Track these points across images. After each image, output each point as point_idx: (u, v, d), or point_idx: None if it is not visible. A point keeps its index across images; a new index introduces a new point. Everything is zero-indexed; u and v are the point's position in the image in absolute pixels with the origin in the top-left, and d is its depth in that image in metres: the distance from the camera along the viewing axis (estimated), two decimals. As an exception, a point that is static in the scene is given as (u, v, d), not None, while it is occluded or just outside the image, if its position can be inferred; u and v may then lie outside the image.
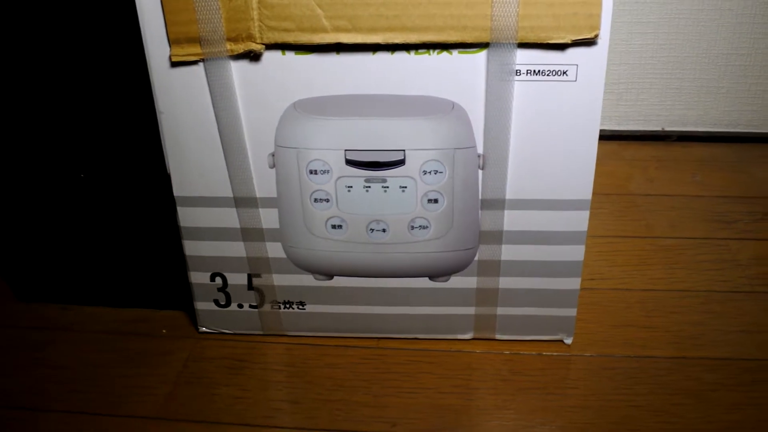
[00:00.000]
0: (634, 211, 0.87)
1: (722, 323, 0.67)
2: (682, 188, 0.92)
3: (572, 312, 0.63)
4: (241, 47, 0.52)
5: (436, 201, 0.57)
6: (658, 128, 1.06)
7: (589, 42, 0.51)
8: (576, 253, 0.60)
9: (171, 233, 0.62)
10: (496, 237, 0.59)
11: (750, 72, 1.01)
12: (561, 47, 0.51)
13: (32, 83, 0.61)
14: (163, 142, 0.57)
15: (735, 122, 1.05)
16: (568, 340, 0.65)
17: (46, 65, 0.60)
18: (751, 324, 0.67)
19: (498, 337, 0.65)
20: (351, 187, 0.57)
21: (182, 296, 0.67)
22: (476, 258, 0.60)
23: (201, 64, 0.53)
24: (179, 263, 0.63)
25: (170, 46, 0.53)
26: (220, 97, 0.55)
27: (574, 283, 0.61)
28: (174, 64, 0.54)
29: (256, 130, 0.56)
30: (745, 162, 0.99)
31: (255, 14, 0.51)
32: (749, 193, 0.91)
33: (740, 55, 1.00)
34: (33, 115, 0.62)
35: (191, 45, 0.53)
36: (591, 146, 0.55)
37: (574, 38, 0.50)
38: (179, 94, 0.55)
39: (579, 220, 0.58)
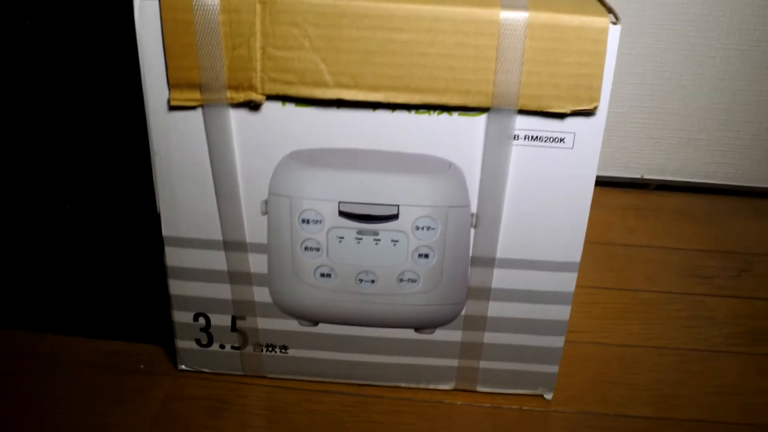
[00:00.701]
0: (613, 261, 0.88)
1: (700, 383, 0.68)
2: (661, 240, 0.94)
3: (554, 369, 0.63)
4: (241, 96, 0.52)
5: (426, 256, 0.58)
6: (638, 176, 1.08)
7: (588, 113, 0.52)
8: (562, 312, 0.60)
9: (155, 268, 0.62)
10: (484, 293, 0.59)
11: (729, 126, 1.04)
12: (560, 116, 0.52)
13: (28, 110, 0.60)
14: (155, 182, 0.57)
15: (713, 174, 1.07)
16: (549, 396, 0.65)
17: (44, 92, 0.59)
18: (729, 386, 0.68)
19: (479, 389, 0.65)
20: (342, 237, 0.57)
21: (162, 330, 0.66)
22: (463, 312, 0.60)
23: (200, 109, 0.53)
24: (160, 298, 0.63)
25: (170, 89, 0.52)
26: (217, 143, 0.54)
27: (557, 342, 0.62)
28: (172, 108, 0.53)
29: (250, 176, 0.56)
30: (722, 215, 1.01)
31: (258, 65, 0.51)
32: (726, 247, 0.93)
33: (721, 109, 1.02)
34: (25, 141, 0.62)
35: (191, 90, 0.52)
36: (583, 211, 0.56)
37: (573, 108, 0.51)
38: (175, 136, 0.54)
39: (566, 281, 0.59)
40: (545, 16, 0.49)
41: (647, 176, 1.08)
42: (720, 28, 0.97)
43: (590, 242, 0.89)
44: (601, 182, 1.07)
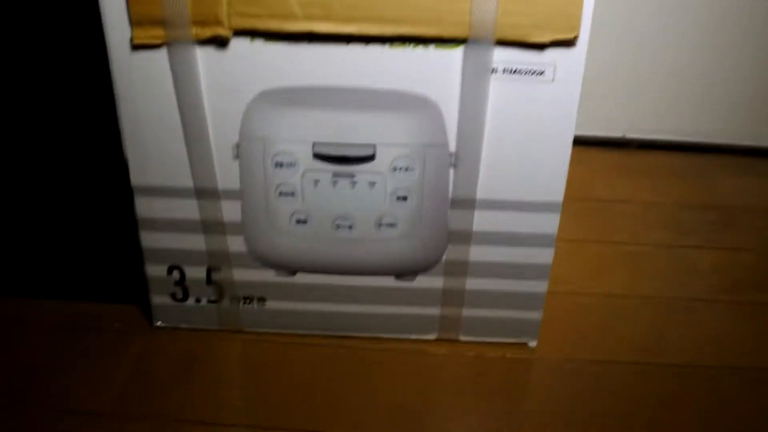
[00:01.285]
0: (595, 216, 0.87)
1: (683, 331, 0.67)
2: (643, 196, 0.93)
3: (538, 315, 0.62)
4: (207, 32, 0.50)
5: (405, 198, 0.56)
6: (620, 135, 1.06)
7: (568, 42, 0.50)
8: (545, 255, 0.59)
9: (126, 223, 0.60)
10: (465, 237, 0.58)
11: (712, 83, 1.02)
12: (539, 47, 0.50)
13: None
14: (121, 128, 0.55)
15: (695, 132, 1.06)
16: (533, 344, 0.64)
17: (5, 37, 0.57)
18: (711, 332, 0.67)
19: (462, 338, 0.64)
20: (318, 181, 0.55)
21: (136, 290, 0.64)
22: (443, 258, 0.59)
23: (164, 48, 0.51)
24: (134, 254, 0.61)
25: (132, 27, 0.50)
26: (184, 84, 0.52)
27: (541, 286, 0.61)
28: (135, 47, 0.51)
29: (220, 119, 0.54)
30: (705, 172, 1.00)
31: (225, -3, 0.49)
32: (708, 202, 0.92)
33: (703, 67, 1.01)
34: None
35: (154, 27, 0.50)
36: (565, 148, 0.54)
37: (553, 38, 0.49)
38: (140, 78, 0.52)
39: (549, 223, 0.58)
40: (522, -59, 0.47)
41: (629, 135, 1.07)
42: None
43: (572, 198, 0.88)
44: (582, 141, 1.05)
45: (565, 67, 0.51)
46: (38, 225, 0.65)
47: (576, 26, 0.49)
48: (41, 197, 0.63)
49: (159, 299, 0.63)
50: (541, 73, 0.51)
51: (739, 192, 0.96)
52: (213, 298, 0.62)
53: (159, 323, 0.64)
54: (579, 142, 1.04)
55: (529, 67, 0.51)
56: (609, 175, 0.98)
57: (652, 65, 1.01)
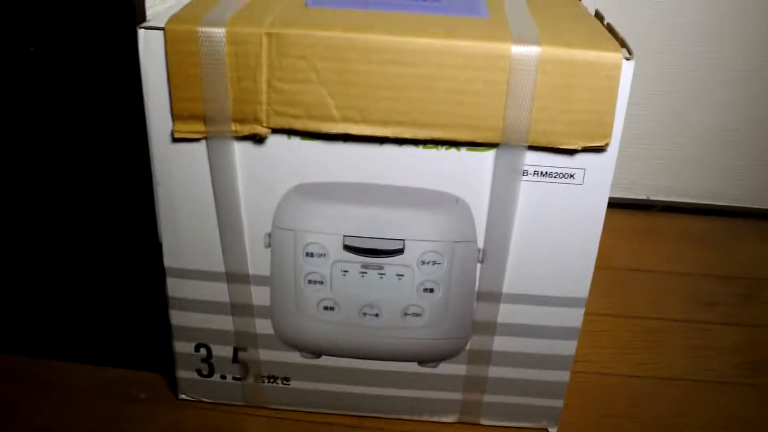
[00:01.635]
0: (618, 286, 0.87)
1: (706, 416, 0.67)
2: (666, 264, 0.93)
3: (559, 403, 0.63)
4: (246, 129, 0.51)
5: (431, 290, 0.57)
6: (644, 197, 1.07)
7: (599, 149, 0.51)
8: (568, 347, 0.59)
9: (157, 298, 0.61)
10: (490, 328, 0.58)
11: (737, 147, 1.03)
12: (570, 152, 0.51)
13: (33, 138, 0.59)
14: (157, 212, 0.56)
15: (720, 195, 1.06)
16: (553, 429, 0.64)
17: (49, 121, 0.58)
18: (735, 418, 0.67)
19: (483, 422, 0.64)
20: (347, 271, 0.56)
21: (163, 358, 0.65)
22: (467, 346, 0.59)
23: (204, 141, 0.52)
24: (162, 326, 0.62)
25: (173, 121, 0.52)
26: (221, 175, 0.53)
27: (563, 376, 0.61)
28: (176, 140, 0.52)
29: (254, 209, 0.55)
30: (729, 237, 1.00)
31: (264, 98, 0.50)
32: (731, 272, 0.92)
33: (728, 130, 1.01)
34: (29, 168, 0.61)
35: (195, 122, 0.51)
36: (592, 247, 0.55)
37: (584, 145, 0.50)
38: (178, 167, 0.54)
39: (574, 317, 0.58)
40: (557, 51, 0.48)
41: (653, 197, 1.07)
42: (730, 47, 0.96)
43: (596, 266, 0.89)
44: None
45: (595, 170, 0.52)
46: (76, 295, 0.66)
47: (608, 134, 0.50)
48: (81, 271, 0.64)
49: (185, 374, 0.63)
50: (572, 176, 0.52)
51: (764, 260, 0.96)
52: (238, 375, 0.63)
53: (183, 396, 0.65)
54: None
55: (560, 171, 0.52)
56: (632, 241, 0.98)
57: (677, 126, 1.02)
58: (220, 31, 0.49)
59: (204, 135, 0.52)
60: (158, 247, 0.57)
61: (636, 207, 1.07)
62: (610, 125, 0.50)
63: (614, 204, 1.04)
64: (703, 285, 0.89)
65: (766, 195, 1.06)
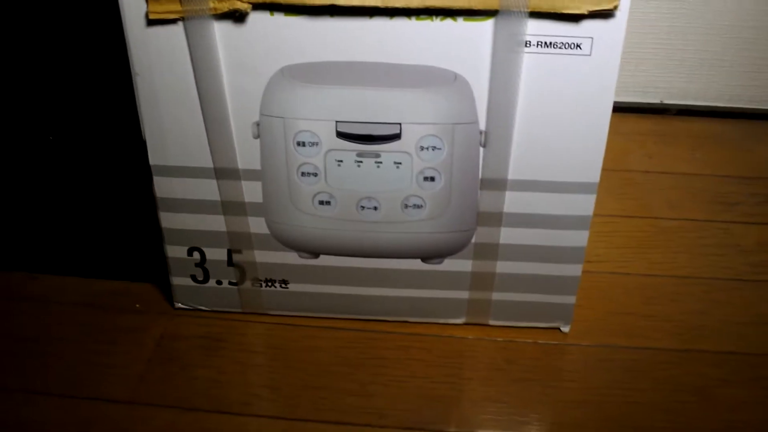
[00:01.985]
0: (632, 188, 0.84)
1: (725, 313, 0.64)
2: (682, 166, 0.89)
3: (571, 299, 0.60)
4: (225, 5, 0.47)
5: (432, 179, 0.53)
6: (657, 101, 1.02)
7: (607, 13, 0.46)
8: (579, 238, 0.56)
9: (146, 203, 0.58)
10: (496, 219, 0.55)
11: (755, 46, 0.97)
12: (576, 18, 0.47)
13: (3, 39, 0.56)
14: (138, 107, 0.53)
15: (737, 97, 1.01)
16: (566, 328, 0.61)
17: (19, 21, 0.55)
18: (756, 315, 0.64)
19: (491, 322, 0.62)
20: (341, 161, 0.53)
21: (158, 268, 0.62)
22: (473, 240, 0.56)
23: (181, 23, 0.48)
24: (155, 234, 0.59)
25: (147, 1, 0.48)
26: (202, 60, 0.50)
27: (575, 270, 0.58)
28: (151, 22, 0.49)
29: (240, 96, 0.51)
30: (748, 140, 0.96)
31: (241, -31, 0.46)
32: (752, 173, 0.88)
33: (746, 27, 0.96)
34: (2, 73, 0.58)
35: (170, 1, 0.48)
36: (602, 126, 0.51)
37: (591, 9, 0.46)
38: (157, 55, 0.50)
39: (585, 204, 0.55)
40: None
41: (667, 101, 1.02)
42: (747, -63, 0.90)
43: (608, 169, 0.84)
44: (619, 108, 1.01)
45: (604, 39, 0.48)
46: (59, 203, 0.63)
47: (617, -5, 0.46)
48: (61, 175, 0.61)
49: (179, 280, 0.61)
50: (578, 45, 0.48)
51: (785, 161, 0.91)
52: (234, 280, 0.60)
53: (179, 305, 0.63)
54: (614, 109, 1.00)
55: (565, 40, 0.48)
56: (646, 145, 0.94)
57: (692, 26, 0.96)
58: None
59: (181, 15, 0.48)
60: (143, 144, 0.54)
61: (650, 111, 1.02)
62: (620, -15, 0.45)
63: (627, 108, 1.00)
64: (722, 186, 0.85)
65: (787, 95, 1.01)
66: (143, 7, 0.48)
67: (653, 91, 1.01)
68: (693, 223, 0.77)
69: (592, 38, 0.48)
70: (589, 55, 0.48)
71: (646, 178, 0.86)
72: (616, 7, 0.46)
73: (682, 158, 0.90)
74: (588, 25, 0.47)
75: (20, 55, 0.56)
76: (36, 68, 0.56)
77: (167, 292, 0.63)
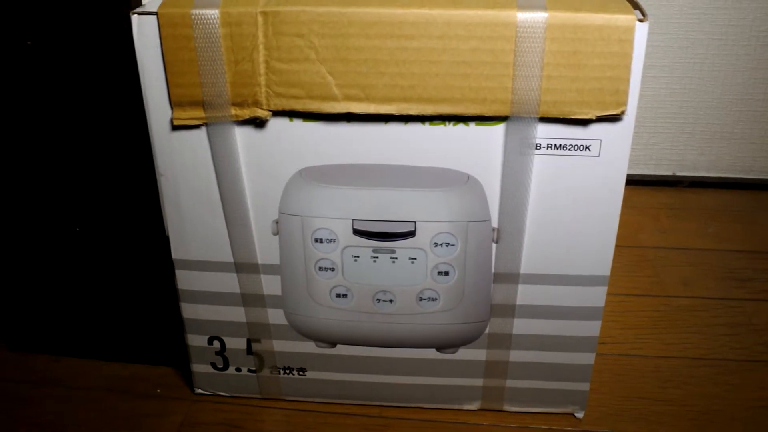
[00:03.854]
0: (645, 265, 0.84)
1: (740, 397, 0.64)
2: (695, 241, 0.90)
3: (585, 386, 0.60)
4: (246, 113, 0.50)
5: (446, 273, 0.55)
6: (670, 173, 1.03)
7: (615, 117, 0.48)
8: (592, 328, 0.57)
9: (168, 291, 0.60)
10: (509, 311, 0.56)
11: (764, 118, 0.99)
12: (584, 122, 0.48)
13: (33, 134, 0.58)
14: (162, 205, 0.55)
15: (748, 168, 1.02)
16: (580, 414, 0.62)
17: (49, 120, 0.57)
18: (769, 399, 0.64)
19: (506, 408, 0.62)
20: (358, 256, 0.54)
21: (178, 353, 0.64)
22: (486, 330, 0.57)
23: (204, 127, 0.51)
24: (175, 321, 0.60)
25: (172, 108, 0.50)
26: (223, 162, 0.52)
27: (588, 358, 0.59)
28: (176, 127, 0.51)
29: (259, 195, 0.53)
30: (759, 211, 0.97)
31: (262, 80, 0.48)
32: (764, 247, 0.88)
33: (755, 101, 0.98)
34: (33, 167, 0.60)
35: (194, 109, 0.50)
36: (612, 222, 0.52)
37: (599, 114, 0.48)
38: (180, 157, 0.52)
39: (596, 296, 0.56)
40: (565, 16, 0.46)
41: (679, 173, 1.04)
42: (753, 14, 0.92)
43: (621, 246, 0.86)
44: (631, 181, 1.03)
45: (612, 141, 0.49)
46: (88, 292, 0.65)
47: (623, 101, 0.47)
48: (91, 267, 0.63)
49: (199, 367, 0.62)
50: (587, 147, 0.50)
51: (797, 234, 0.92)
52: (253, 367, 0.61)
53: (199, 390, 0.64)
54: (627, 182, 1.02)
55: (574, 143, 0.50)
56: (659, 219, 0.95)
57: (702, 100, 0.98)
58: (213, 13, 0.47)
59: (204, 121, 0.50)
60: (165, 240, 0.56)
61: (663, 183, 1.03)
62: (626, 92, 0.47)
63: (640, 181, 1.01)
64: (735, 261, 0.86)
65: (798, 166, 1.02)
66: (168, 113, 0.51)
67: (666, 163, 1.03)
68: (706, 302, 0.78)
69: (600, 140, 0.49)
70: (598, 156, 0.50)
71: (659, 254, 0.86)
72: (623, 112, 0.48)
73: (696, 233, 0.91)
74: (596, 128, 0.49)
75: (57, 153, 0.59)
76: (69, 165, 0.59)
77: (187, 376, 0.64)
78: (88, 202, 0.60)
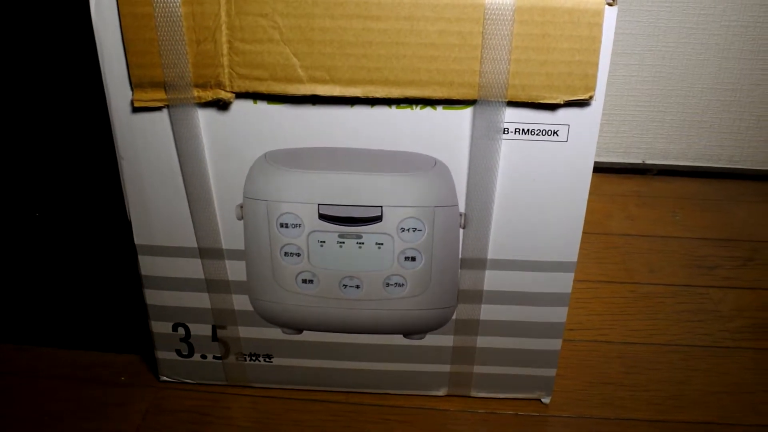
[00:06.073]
0: (613, 252, 0.85)
1: (704, 382, 0.65)
2: (662, 228, 0.90)
3: (551, 372, 0.60)
4: (209, 95, 0.48)
5: (413, 259, 0.54)
6: (639, 161, 1.04)
7: (583, 102, 0.48)
8: (558, 314, 0.57)
9: (131, 277, 0.58)
10: (476, 296, 0.56)
11: (734, 107, 1.00)
12: (553, 107, 0.48)
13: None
14: (123, 189, 0.53)
15: (716, 157, 1.03)
16: (546, 400, 0.62)
17: (6, 102, 0.56)
18: (733, 384, 0.65)
19: (473, 394, 0.62)
20: (324, 242, 0.54)
21: (142, 340, 0.63)
22: (454, 316, 0.57)
23: (165, 109, 0.50)
24: (139, 307, 0.59)
25: (132, 89, 0.49)
26: (186, 146, 0.51)
27: (555, 344, 0.59)
28: (136, 109, 0.50)
29: (223, 180, 0.52)
30: (726, 200, 0.97)
31: (225, 60, 0.47)
32: (730, 235, 0.89)
33: (724, 90, 0.99)
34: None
35: (155, 90, 0.49)
36: (579, 208, 0.52)
37: (567, 99, 0.47)
38: (142, 140, 0.51)
39: (563, 282, 0.56)
40: None
41: (649, 161, 1.04)
42: (724, 4, 0.92)
43: (589, 233, 0.86)
44: (601, 168, 1.03)
45: (580, 126, 0.49)
46: (49, 279, 0.64)
47: (592, 86, 0.47)
48: (52, 253, 0.62)
49: (164, 354, 0.61)
50: (555, 132, 0.49)
51: (763, 222, 0.93)
52: (219, 354, 0.61)
53: (164, 378, 0.63)
54: (597, 169, 1.02)
55: (542, 127, 0.49)
56: (627, 206, 0.95)
57: (673, 87, 0.99)
58: (176, -9, 0.46)
59: (165, 103, 0.49)
60: (127, 225, 0.55)
61: (632, 171, 1.04)
62: (594, 76, 0.47)
63: (609, 169, 1.01)
64: (701, 249, 0.87)
65: (764, 155, 1.03)
66: (129, 94, 0.49)
67: (635, 151, 1.03)
68: (672, 288, 0.79)
69: (568, 125, 0.49)
70: (566, 141, 0.50)
71: (627, 241, 0.87)
72: (591, 97, 0.48)
73: (663, 220, 0.92)
74: (564, 112, 0.49)
75: (10, 135, 0.57)
76: (27, 149, 0.57)
77: (152, 363, 0.64)
78: (47, 187, 0.59)
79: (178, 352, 0.61)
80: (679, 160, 1.04)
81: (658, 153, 1.03)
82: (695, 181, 1.02)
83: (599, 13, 0.45)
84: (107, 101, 0.50)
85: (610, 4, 0.46)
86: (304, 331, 0.59)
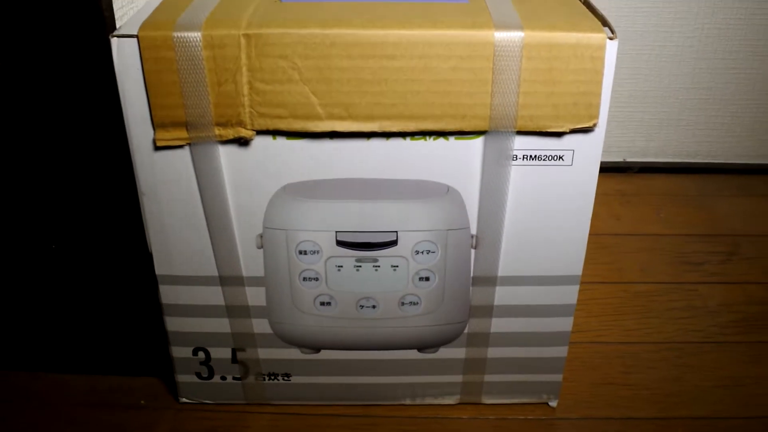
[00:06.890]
0: (603, 252, 0.88)
1: (700, 378, 0.69)
2: (648, 226, 0.94)
3: (558, 377, 0.63)
4: (230, 133, 0.50)
5: (427, 279, 0.57)
6: (620, 159, 1.07)
7: (587, 129, 0.51)
8: (564, 324, 0.60)
9: (149, 302, 0.60)
10: (487, 311, 0.59)
11: (709, 105, 1.03)
12: (559, 134, 0.51)
13: (13, 153, 0.58)
14: (144, 222, 0.55)
15: (694, 153, 1.07)
16: (553, 403, 0.65)
17: (29, 134, 0.57)
18: (727, 378, 0.69)
19: (484, 401, 0.65)
20: (341, 266, 0.56)
21: (161, 362, 0.64)
22: (465, 330, 0.60)
23: (187, 146, 0.51)
24: (157, 330, 0.61)
25: (155, 129, 0.50)
26: (207, 181, 0.52)
27: (561, 351, 0.62)
28: (158, 147, 0.51)
29: (243, 211, 0.54)
30: (707, 196, 1.01)
31: (246, 100, 0.49)
32: (713, 230, 0.93)
33: (700, 89, 1.02)
34: (10, 181, 0.59)
35: (177, 129, 0.50)
36: (584, 225, 0.55)
37: (572, 127, 0.50)
38: (163, 176, 0.53)
39: (568, 294, 0.58)
40: (541, 35, 0.48)
41: (629, 159, 1.08)
42: (698, 7, 0.96)
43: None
44: (585, 168, 1.06)
45: (584, 150, 0.52)
46: (66, 303, 0.65)
47: (595, 114, 0.50)
48: (70, 279, 0.63)
49: (184, 377, 0.63)
50: (561, 157, 0.52)
51: (744, 215, 0.97)
52: (238, 375, 0.63)
53: (184, 399, 0.65)
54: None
55: (549, 153, 0.52)
56: (612, 205, 0.99)
57: (651, 88, 1.02)
58: (196, 35, 0.47)
59: (187, 141, 0.51)
60: (148, 256, 0.57)
61: (613, 170, 1.07)
62: (597, 106, 0.50)
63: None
64: (687, 245, 0.90)
65: (742, 149, 1.07)
66: (150, 133, 0.51)
67: (616, 150, 1.06)
68: (663, 286, 0.82)
69: (573, 150, 0.52)
70: (571, 165, 0.52)
71: (615, 240, 0.90)
72: (595, 124, 0.50)
73: (648, 218, 0.95)
74: (569, 139, 0.51)
75: (36, 170, 0.58)
76: (50, 181, 0.59)
77: (171, 385, 0.65)
78: (68, 220, 0.60)
79: (198, 375, 0.63)
80: (658, 157, 1.07)
81: (638, 151, 1.07)
82: (675, 177, 1.06)
83: (601, 48, 0.48)
84: (128, 139, 0.51)
85: (611, 38, 0.48)
86: (322, 350, 0.61)
